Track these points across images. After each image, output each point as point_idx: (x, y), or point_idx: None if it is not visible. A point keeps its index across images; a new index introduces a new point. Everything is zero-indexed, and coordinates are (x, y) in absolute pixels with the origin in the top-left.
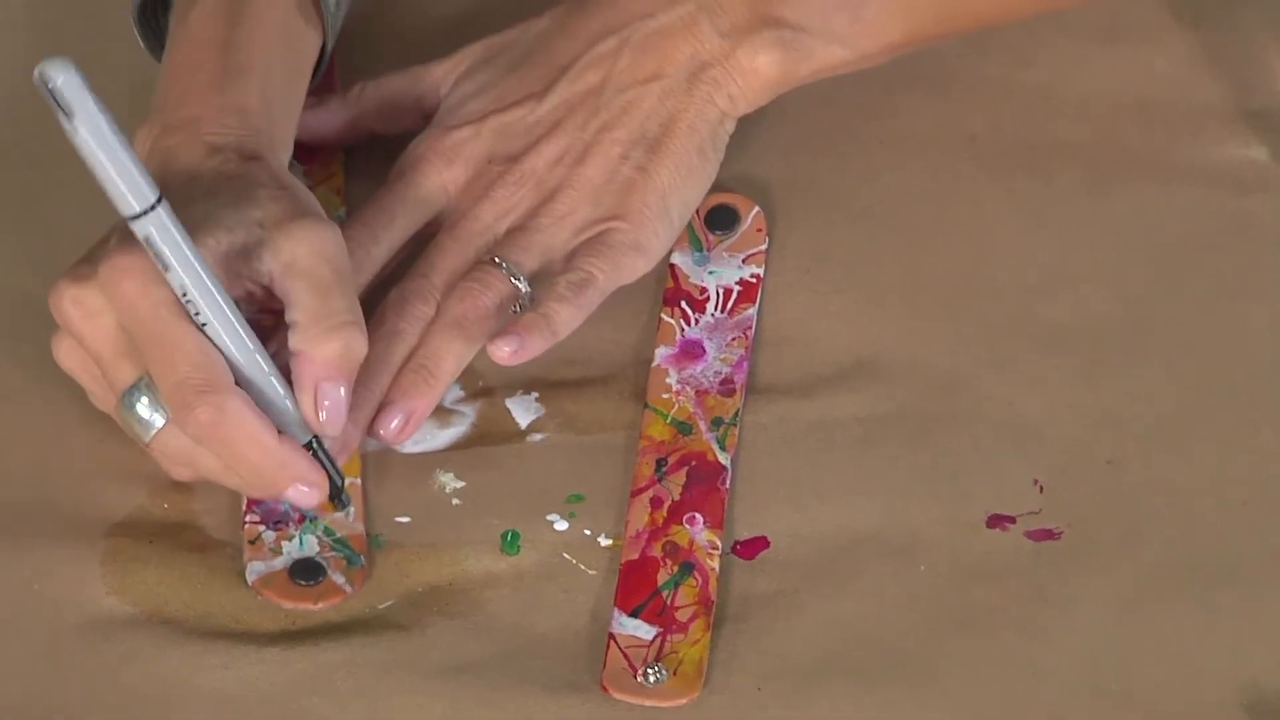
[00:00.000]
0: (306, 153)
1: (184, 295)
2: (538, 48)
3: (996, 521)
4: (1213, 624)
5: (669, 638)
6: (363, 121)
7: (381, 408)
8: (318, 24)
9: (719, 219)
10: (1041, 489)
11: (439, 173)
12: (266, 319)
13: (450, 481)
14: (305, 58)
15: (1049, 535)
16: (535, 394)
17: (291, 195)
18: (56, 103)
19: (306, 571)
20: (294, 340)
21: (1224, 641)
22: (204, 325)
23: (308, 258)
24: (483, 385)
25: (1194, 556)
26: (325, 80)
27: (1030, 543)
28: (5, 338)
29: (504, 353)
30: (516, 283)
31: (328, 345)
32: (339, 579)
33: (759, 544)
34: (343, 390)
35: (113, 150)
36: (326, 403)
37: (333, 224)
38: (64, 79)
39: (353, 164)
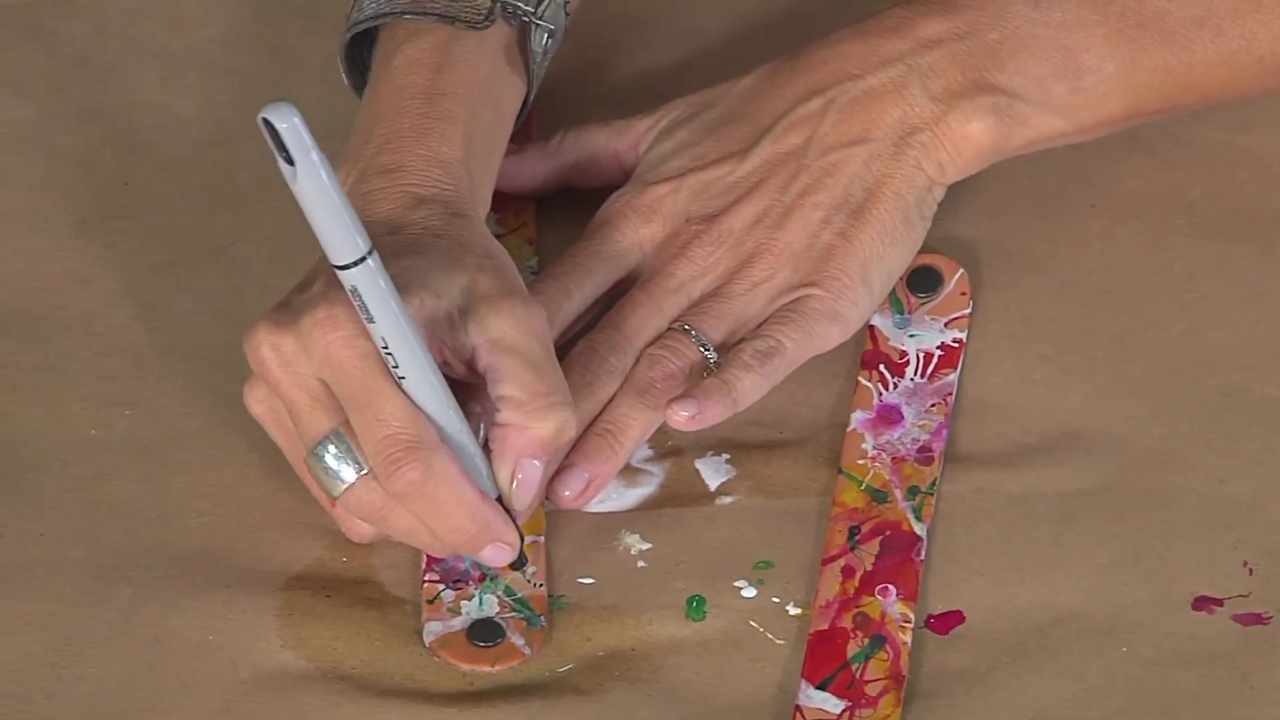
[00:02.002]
0: (498, 200)
1: (384, 348)
2: (741, 106)
3: (1203, 604)
4: None
5: (858, 712)
6: (561, 174)
7: (563, 469)
8: (523, 75)
9: (921, 281)
10: (1251, 571)
11: (636, 229)
12: None
13: (636, 543)
14: (509, 109)
15: (1258, 620)
16: (726, 455)
17: (499, 267)
18: (278, 147)
19: (485, 633)
20: (506, 414)
21: None
22: (401, 380)
23: (517, 336)
24: (672, 445)
25: None
26: (522, 126)
27: (1238, 627)
28: (186, 386)
29: (680, 417)
30: (705, 352)
31: (543, 423)
32: (518, 641)
33: (954, 618)
34: (541, 468)
35: (330, 199)
36: (521, 477)
37: (538, 303)
38: (288, 125)
39: (545, 212)
